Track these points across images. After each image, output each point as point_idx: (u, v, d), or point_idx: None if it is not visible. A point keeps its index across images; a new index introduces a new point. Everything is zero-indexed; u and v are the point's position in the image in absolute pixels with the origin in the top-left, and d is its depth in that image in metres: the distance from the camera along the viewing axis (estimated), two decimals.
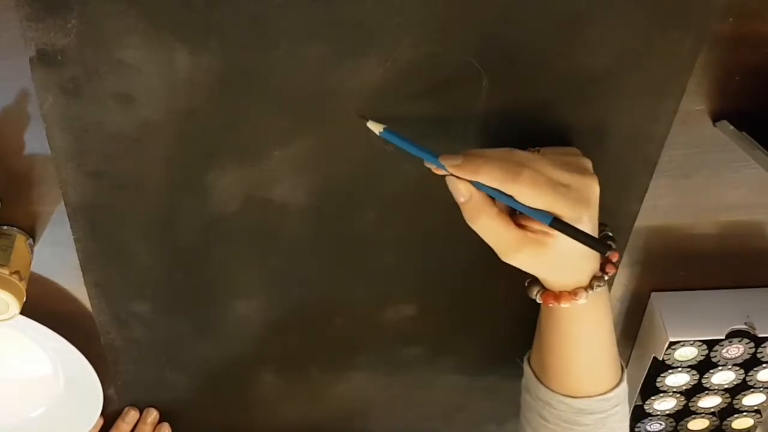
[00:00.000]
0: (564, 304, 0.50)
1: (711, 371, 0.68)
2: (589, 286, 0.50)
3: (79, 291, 0.58)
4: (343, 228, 0.56)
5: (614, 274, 0.50)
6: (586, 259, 0.50)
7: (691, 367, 0.67)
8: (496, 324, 0.65)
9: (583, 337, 0.54)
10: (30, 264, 0.54)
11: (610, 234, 0.53)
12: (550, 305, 0.51)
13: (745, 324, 0.64)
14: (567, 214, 0.45)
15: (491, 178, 0.45)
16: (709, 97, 0.53)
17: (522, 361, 0.62)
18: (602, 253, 0.47)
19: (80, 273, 0.56)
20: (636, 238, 0.61)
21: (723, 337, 0.64)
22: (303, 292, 0.60)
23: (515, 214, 0.48)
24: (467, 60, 0.47)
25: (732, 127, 0.53)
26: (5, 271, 0.50)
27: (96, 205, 0.52)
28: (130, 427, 0.66)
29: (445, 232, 0.57)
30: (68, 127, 0.47)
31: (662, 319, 0.64)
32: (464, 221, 0.56)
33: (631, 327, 0.69)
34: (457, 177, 0.46)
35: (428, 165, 0.48)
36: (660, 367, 0.66)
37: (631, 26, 0.48)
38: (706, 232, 0.62)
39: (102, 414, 0.64)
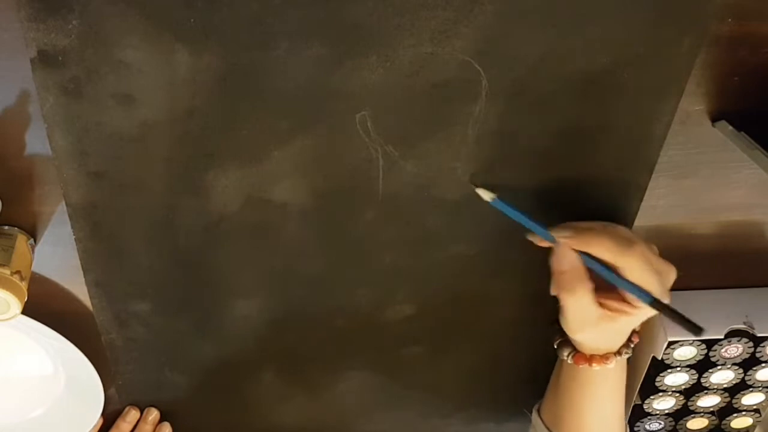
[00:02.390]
0: (596, 367, 0.53)
1: (710, 371, 0.68)
2: (618, 353, 0.53)
3: (80, 291, 0.58)
4: (343, 228, 0.56)
5: (638, 342, 0.54)
6: (625, 333, 0.53)
7: (691, 366, 0.67)
8: (496, 324, 0.65)
9: (602, 396, 0.57)
10: (31, 264, 0.54)
11: None
12: (582, 366, 0.54)
13: (744, 323, 0.64)
14: (658, 295, 0.48)
15: (605, 248, 0.47)
16: (708, 97, 0.53)
17: (530, 412, 0.64)
18: (697, 334, 0.48)
19: (81, 273, 0.56)
20: None
21: (722, 337, 0.64)
22: (303, 292, 0.60)
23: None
24: (467, 60, 0.48)
25: (731, 128, 0.53)
26: (6, 271, 0.50)
27: (97, 205, 0.52)
28: (130, 427, 0.67)
29: (445, 232, 0.57)
30: (69, 128, 0.47)
31: (661, 319, 0.64)
32: (464, 221, 0.56)
33: None
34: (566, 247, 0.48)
35: (531, 238, 0.50)
36: (659, 366, 0.66)
37: (631, 26, 0.48)
38: (706, 232, 0.62)
39: (102, 414, 0.64)
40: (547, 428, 0.61)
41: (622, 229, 0.49)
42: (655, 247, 0.51)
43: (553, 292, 0.50)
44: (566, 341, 0.56)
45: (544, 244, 0.50)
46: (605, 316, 0.49)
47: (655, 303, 0.48)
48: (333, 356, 0.66)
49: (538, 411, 0.63)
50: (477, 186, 0.50)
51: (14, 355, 0.62)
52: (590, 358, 0.54)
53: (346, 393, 0.69)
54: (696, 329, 0.48)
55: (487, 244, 0.58)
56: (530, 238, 0.51)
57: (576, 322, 0.50)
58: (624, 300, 0.50)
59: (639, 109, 0.52)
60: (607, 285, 0.49)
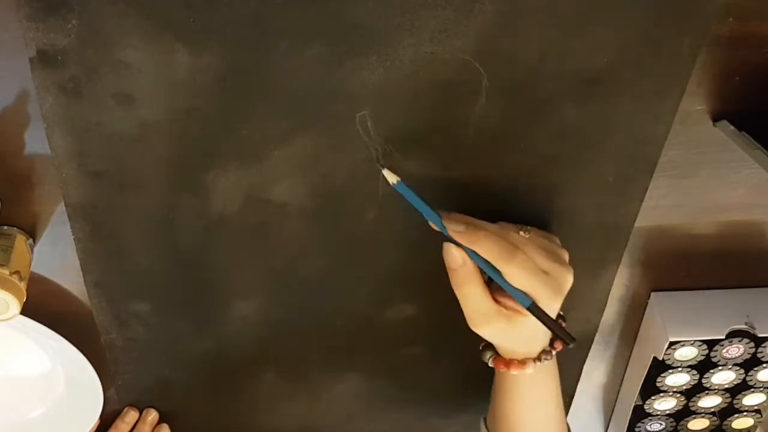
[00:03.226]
0: (514, 372, 0.54)
1: (711, 371, 0.68)
2: (537, 359, 0.54)
3: (80, 291, 0.58)
4: (343, 228, 0.56)
5: (561, 350, 0.55)
6: (541, 337, 0.54)
7: (691, 367, 0.67)
8: None
9: (530, 402, 0.57)
10: (30, 264, 0.54)
11: (564, 321, 0.57)
12: (501, 371, 0.55)
13: (745, 324, 0.64)
14: (543, 300, 0.49)
15: (488, 252, 0.47)
16: (708, 97, 0.53)
17: (482, 421, 0.65)
18: (568, 344, 0.51)
19: (80, 273, 0.56)
20: (636, 238, 0.61)
21: (723, 337, 0.64)
22: (303, 292, 0.60)
23: (491, 286, 0.50)
24: (467, 60, 0.47)
25: (732, 127, 0.53)
26: (5, 271, 0.50)
27: (96, 205, 0.52)
28: (129, 427, 0.66)
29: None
30: (68, 127, 0.47)
31: (662, 319, 0.64)
32: None
33: (631, 327, 0.69)
34: (455, 243, 0.49)
35: (431, 223, 0.50)
36: (660, 367, 0.66)
37: (631, 26, 0.48)
38: (706, 232, 0.62)
39: (102, 414, 0.64)
40: None
41: (512, 234, 0.49)
42: (550, 245, 0.51)
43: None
44: (489, 345, 0.56)
45: (436, 229, 0.50)
46: (501, 312, 0.50)
47: (532, 308, 0.49)
48: (333, 356, 0.66)
49: (485, 420, 0.64)
50: (383, 167, 0.49)
51: (14, 356, 0.62)
52: (509, 363, 0.54)
53: (345, 393, 0.69)
54: (570, 339, 0.51)
55: None
56: (430, 222, 0.51)
57: (472, 316, 0.51)
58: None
59: (640, 109, 0.52)
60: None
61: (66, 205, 0.51)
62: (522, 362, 0.54)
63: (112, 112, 0.47)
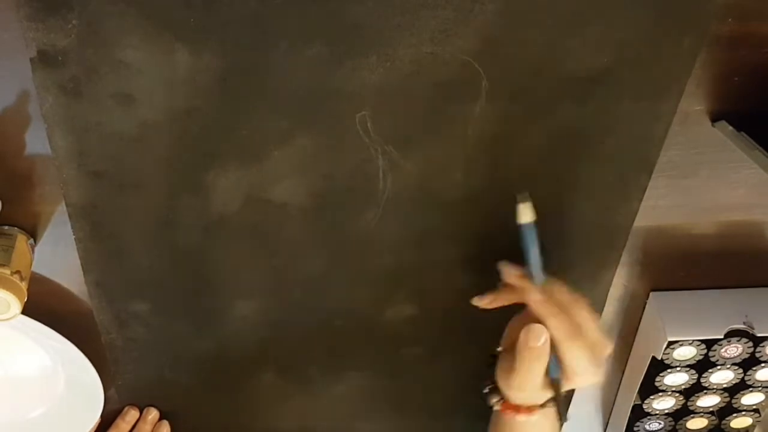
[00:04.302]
0: (520, 418, 0.56)
1: (710, 371, 0.68)
2: (543, 406, 0.55)
3: (80, 291, 0.58)
4: (343, 228, 0.56)
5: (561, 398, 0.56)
6: (549, 392, 0.55)
7: (690, 366, 0.67)
8: (496, 324, 0.65)
9: None
10: (31, 264, 0.54)
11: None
12: (508, 415, 0.57)
13: (744, 323, 0.64)
14: (582, 376, 0.51)
15: (557, 331, 0.50)
16: (708, 97, 0.53)
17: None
18: (560, 424, 0.55)
19: (81, 273, 0.56)
20: (635, 237, 0.61)
21: (722, 337, 0.65)
22: (303, 292, 0.60)
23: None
24: (467, 60, 0.48)
25: (731, 128, 0.53)
26: (6, 271, 0.50)
27: (97, 205, 0.52)
28: (129, 426, 0.66)
29: (445, 232, 0.57)
30: (69, 127, 0.47)
31: (661, 319, 0.64)
32: (464, 221, 0.56)
33: (630, 326, 0.69)
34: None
35: (504, 269, 0.53)
36: (659, 366, 0.66)
37: (631, 26, 0.48)
38: (705, 232, 0.62)
39: (102, 414, 0.64)
40: None
41: (581, 313, 0.50)
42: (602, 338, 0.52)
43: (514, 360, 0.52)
44: (496, 388, 0.58)
45: (514, 280, 0.52)
46: (545, 384, 0.52)
47: (554, 381, 0.52)
48: (333, 356, 0.66)
49: None
50: (523, 201, 0.49)
51: (14, 355, 0.62)
52: (516, 408, 0.56)
53: (345, 393, 0.69)
54: (563, 421, 0.55)
55: (486, 244, 0.58)
56: (504, 267, 0.53)
57: (521, 386, 0.53)
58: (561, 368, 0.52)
59: (639, 109, 0.52)
60: None
61: (66, 205, 0.51)
62: (529, 409, 0.55)
63: (112, 112, 0.47)
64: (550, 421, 0.57)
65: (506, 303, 0.55)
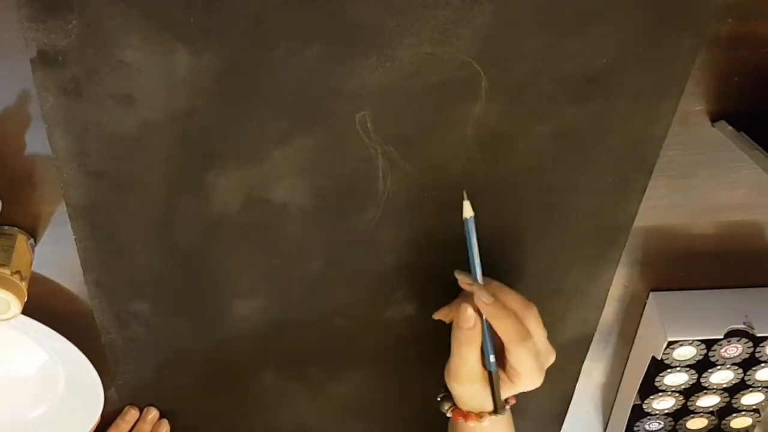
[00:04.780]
0: (471, 423, 0.57)
1: (710, 371, 0.68)
2: (494, 412, 0.56)
3: (80, 291, 0.58)
4: (343, 228, 0.56)
5: (514, 404, 0.57)
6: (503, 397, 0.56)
7: (690, 366, 0.67)
8: None
9: None
10: (31, 264, 0.54)
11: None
12: (459, 421, 0.58)
13: (744, 323, 0.64)
14: (529, 381, 0.53)
15: (505, 331, 0.51)
16: (707, 97, 0.53)
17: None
18: (497, 413, 0.55)
19: (81, 273, 0.56)
20: (635, 237, 0.61)
21: (721, 337, 0.65)
22: (303, 292, 0.60)
23: None
24: (467, 60, 0.48)
25: (731, 128, 0.53)
26: (6, 271, 0.50)
27: (97, 205, 0.52)
28: (129, 426, 0.66)
29: (445, 232, 0.57)
30: (69, 128, 0.47)
31: (661, 319, 0.64)
32: (463, 221, 0.56)
33: (630, 327, 0.69)
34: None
35: (458, 276, 0.55)
36: (659, 366, 0.66)
37: (631, 26, 0.48)
38: (705, 232, 0.62)
39: (102, 414, 0.64)
40: None
41: (531, 319, 0.52)
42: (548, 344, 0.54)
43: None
44: (448, 395, 0.59)
45: (467, 287, 0.54)
46: (482, 376, 0.53)
47: (491, 376, 0.53)
48: (333, 356, 0.66)
49: None
50: (466, 198, 0.51)
51: (14, 355, 0.62)
52: (466, 415, 0.57)
53: (346, 393, 0.69)
54: (502, 411, 0.55)
55: (486, 244, 0.58)
56: (457, 274, 0.55)
57: (460, 374, 0.54)
58: (504, 368, 0.53)
59: (639, 109, 0.52)
60: (500, 349, 0.53)
61: (66, 205, 0.51)
62: (479, 415, 0.56)
63: (112, 112, 0.47)
64: (502, 427, 0.58)
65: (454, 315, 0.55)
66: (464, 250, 0.55)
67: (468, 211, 0.51)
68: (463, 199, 0.51)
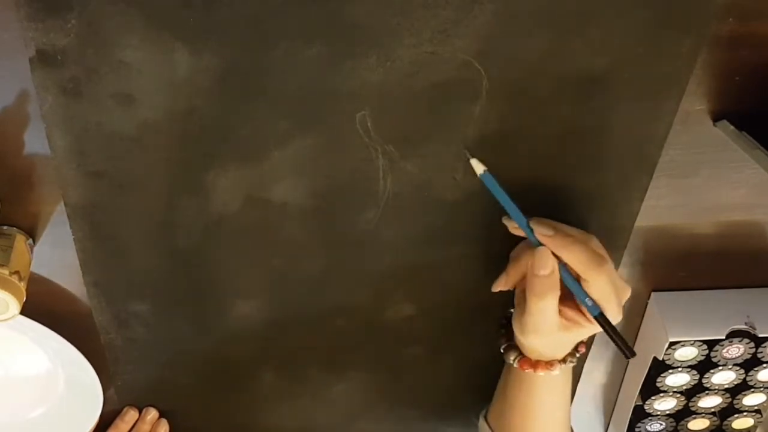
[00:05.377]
0: (540, 373, 0.54)
1: (711, 371, 0.68)
2: (563, 361, 0.54)
3: (79, 291, 0.58)
4: (343, 228, 0.56)
5: (584, 354, 0.55)
6: (571, 342, 0.54)
7: (692, 367, 0.67)
8: (496, 324, 0.65)
9: (548, 403, 0.57)
10: (30, 264, 0.54)
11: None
12: (526, 371, 0.55)
13: (746, 324, 0.64)
14: (613, 312, 0.49)
15: (577, 259, 0.47)
16: (709, 97, 0.53)
17: (477, 418, 0.65)
18: (628, 357, 0.50)
19: (80, 273, 0.56)
20: (636, 237, 0.61)
21: (723, 337, 0.64)
22: (303, 292, 0.60)
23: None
24: (467, 60, 0.47)
25: (732, 127, 0.53)
26: (5, 271, 0.50)
27: (96, 205, 0.51)
28: (128, 426, 0.66)
29: (445, 232, 0.57)
30: (68, 128, 0.47)
31: (662, 319, 0.64)
32: (464, 221, 0.56)
33: (631, 327, 0.69)
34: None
35: (507, 222, 0.51)
36: (660, 367, 0.66)
37: (631, 26, 0.48)
38: (706, 232, 0.62)
39: (101, 414, 0.64)
40: None
41: (596, 243, 0.49)
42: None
43: (509, 287, 0.52)
44: (512, 345, 0.56)
45: (519, 232, 0.50)
46: (562, 325, 0.50)
47: (600, 318, 0.49)
48: (333, 356, 0.66)
49: (485, 416, 0.64)
50: (472, 156, 0.49)
51: (13, 356, 0.62)
52: (535, 364, 0.54)
53: (346, 393, 0.69)
54: (630, 353, 0.50)
55: (487, 244, 0.58)
56: (506, 221, 0.51)
57: (536, 327, 0.50)
58: (580, 311, 0.50)
59: (640, 108, 0.52)
60: (565, 293, 0.50)
61: (66, 205, 0.51)
62: (549, 364, 0.54)
63: (112, 112, 0.47)
64: (567, 377, 0.56)
65: (519, 276, 0.52)
66: (464, 249, 0.55)
67: (478, 167, 0.49)
68: (468, 159, 0.49)
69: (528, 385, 0.56)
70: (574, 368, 0.57)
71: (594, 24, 0.47)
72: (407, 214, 0.55)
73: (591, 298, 0.48)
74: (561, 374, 0.55)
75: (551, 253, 0.48)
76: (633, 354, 0.50)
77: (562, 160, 0.54)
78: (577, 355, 0.55)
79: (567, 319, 0.50)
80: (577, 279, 0.49)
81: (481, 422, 0.64)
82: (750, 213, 0.61)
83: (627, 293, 0.51)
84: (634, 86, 0.50)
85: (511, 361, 0.56)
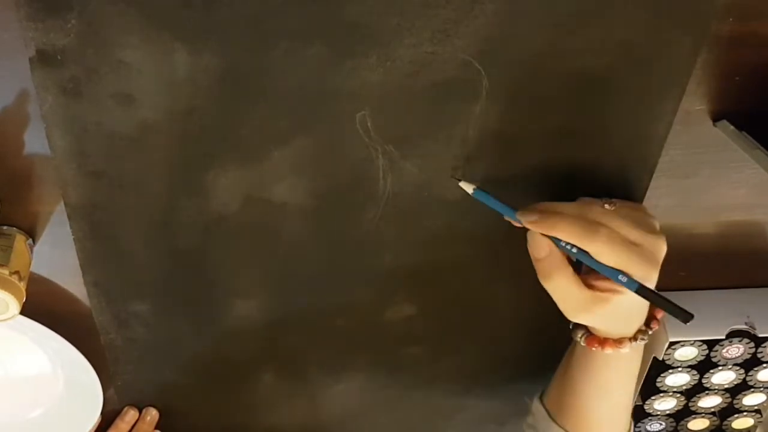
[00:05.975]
0: (608, 350, 0.52)
1: (711, 371, 0.68)
2: (634, 338, 0.51)
3: (79, 291, 0.58)
4: (343, 228, 0.56)
5: (656, 330, 0.52)
6: (640, 315, 0.51)
7: (692, 367, 0.67)
8: (496, 324, 0.65)
9: (613, 383, 0.55)
10: (30, 264, 0.54)
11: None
12: (594, 349, 0.52)
13: (745, 324, 0.64)
14: (638, 273, 0.46)
15: (569, 234, 0.46)
16: (709, 97, 0.53)
17: (530, 400, 0.62)
18: (683, 321, 0.46)
19: (80, 273, 0.56)
20: None
21: (723, 337, 0.64)
22: (303, 292, 0.60)
23: (583, 273, 0.48)
24: (467, 60, 0.47)
25: (732, 127, 0.53)
26: (5, 271, 0.50)
27: (96, 205, 0.51)
28: (129, 427, 0.66)
29: (445, 232, 0.57)
30: (68, 127, 0.47)
31: (662, 319, 0.64)
32: (464, 221, 0.56)
33: None
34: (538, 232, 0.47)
35: (508, 219, 0.49)
36: (660, 367, 0.66)
37: (631, 26, 0.48)
38: (707, 232, 0.62)
39: (101, 414, 0.64)
40: (550, 416, 0.59)
41: (593, 211, 0.47)
42: (637, 215, 0.48)
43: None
44: (581, 324, 0.54)
45: (520, 225, 0.49)
46: (597, 297, 0.47)
47: (641, 290, 0.46)
48: (333, 356, 0.66)
49: (540, 398, 0.61)
50: (459, 180, 0.49)
51: (13, 356, 0.62)
52: (603, 341, 0.52)
53: (346, 393, 0.69)
54: (684, 315, 0.46)
55: (487, 244, 0.58)
56: (507, 219, 0.50)
57: (566, 307, 0.49)
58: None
59: (640, 109, 0.52)
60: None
61: (65, 205, 0.51)
62: (618, 341, 0.51)
63: (112, 112, 0.47)
64: (637, 355, 0.53)
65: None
66: (464, 249, 0.55)
67: (468, 187, 0.49)
68: (458, 185, 0.49)
69: (594, 364, 0.54)
70: (646, 347, 0.54)
71: (594, 24, 0.47)
72: (407, 214, 0.55)
73: (623, 273, 0.46)
74: (630, 353, 0.52)
75: (540, 236, 0.47)
76: (690, 316, 0.46)
77: (562, 160, 0.54)
78: (650, 332, 0.52)
79: (601, 290, 0.48)
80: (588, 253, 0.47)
81: (536, 405, 0.61)
82: (750, 213, 0.61)
83: (659, 247, 0.47)
84: (634, 86, 0.50)
85: (578, 339, 0.54)
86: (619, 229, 0.46)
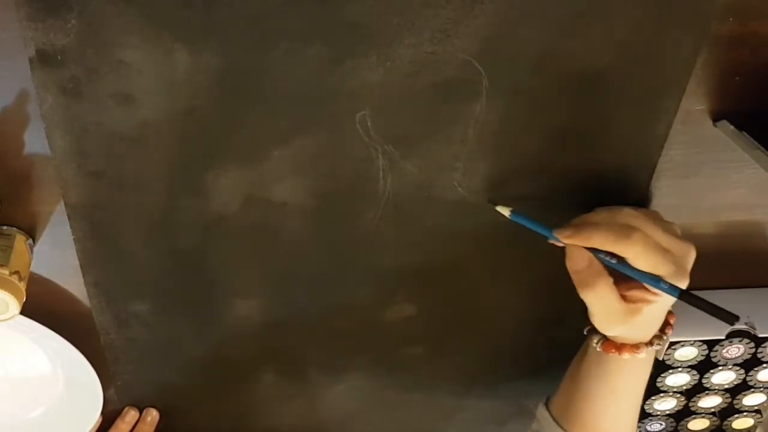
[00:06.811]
0: (625, 356, 0.52)
1: (711, 371, 0.68)
2: (650, 343, 0.52)
3: (79, 291, 0.58)
4: (343, 228, 0.56)
5: (670, 335, 0.53)
6: (658, 321, 0.52)
7: (692, 367, 0.67)
8: (496, 324, 0.65)
9: (625, 388, 0.56)
10: (30, 264, 0.54)
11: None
12: (610, 354, 0.53)
13: (746, 324, 0.64)
14: (671, 278, 0.46)
15: (604, 241, 0.46)
16: (709, 97, 0.53)
17: (534, 405, 0.62)
18: (730, 323, 0.46)
19: (80, 273, 0.56)
20: None
21: (723, 337, 0.64)
22: (303, 292, 0.60)
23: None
24: (467, 60, 0.47)
25: (732, 127, 0.53)
26: (5, 272, 0.50)
27: (96, 205, 0.51)
28: (129, 427, 0.66)
29: (445, 232, 0.57)
30: (68, 127, 0.47)
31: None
32: (464, 221, 0.56)
33: None
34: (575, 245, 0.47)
35: (552, 241, 0.50)
36: (660, 367, 0.66)
37: (631, 26, 0.48)
38: (707, 232, 0.62)
39: (101, 414, 0.64)
40: (556, 422, 0.59)
41: (623, 215, 0.47)
42: (671, 225, 0.49)
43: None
44: (596, 328, 0.54)
45: (560, 244, 0.50)
46: (630, 309, 0.48)
47: (684, 296, 0.46)
48: (333, 356, 0.66)
49: (546, 405, 0.62)
50: (495, 204, 0.52)
51: (13, 356, 0.62)
52: (620, 347, 0.52)
53: (346, 393, 0.69)
54: (731, 318, 0.46)
55: (487, 244, 0.58)
56: (551, 241, 0.51)
57: (603, 320, 0.49)
58: (644, 287, 0.48)
59: (640, 109, 0.52)
60: (619, 276, 0.48)
61: (65, 205, 0.51)
62: (635, 347, 0.52)
63: (112, 112, 0.47)
64: (650, 360, 0.54)
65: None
66: (464, 249, 0.55)
67: (505, 211, 0.52)
68: (494, 209, 0.53)
69: (609, 369, 0.54)
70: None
71: (594, 24, 0.47)
72: (407, 214, 0.55)
73: (663, 281, 0.46)
74: (649, 356, 0.52)
75: (578, 248, 0.47)
76: (736, 318, 0.46)
77: (562, 160, 0.54)
78: (665, 337, 0.53)
79: (633, 300, 0.48)
80: (623, 260, 0.47)
81: (541, 411, 0.61)
82: (750, 213, 0.61)
83: (689, 254, 0.48)
84: (634, 86, 0.50)
85: (594, 344, 0.54)
86: (651, 233, 0.46)
